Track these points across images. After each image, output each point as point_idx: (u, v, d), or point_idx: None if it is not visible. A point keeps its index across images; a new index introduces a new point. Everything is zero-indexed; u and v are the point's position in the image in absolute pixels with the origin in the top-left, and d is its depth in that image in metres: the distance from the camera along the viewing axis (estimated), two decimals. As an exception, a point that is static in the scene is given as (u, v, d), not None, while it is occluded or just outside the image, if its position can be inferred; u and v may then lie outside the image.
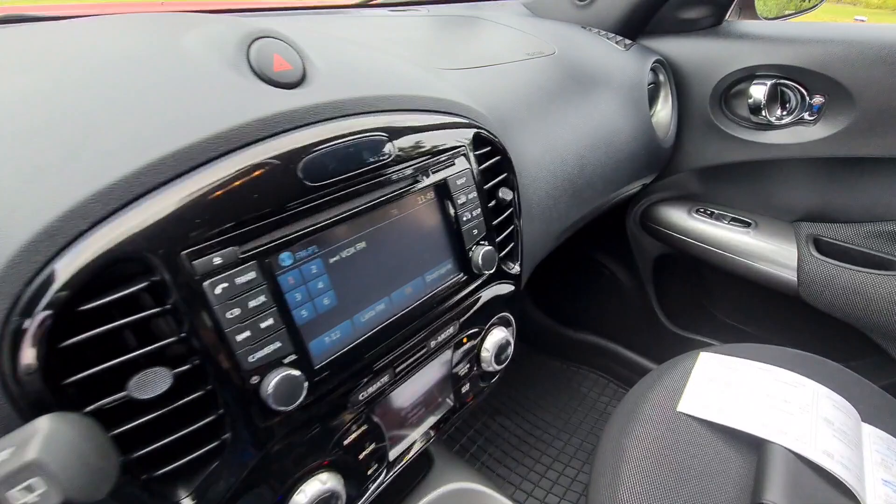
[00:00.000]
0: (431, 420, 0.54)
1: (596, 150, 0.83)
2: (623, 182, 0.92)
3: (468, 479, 0.66)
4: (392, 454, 0.50)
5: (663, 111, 1.03)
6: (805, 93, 0.92)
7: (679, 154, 1.09)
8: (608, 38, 0.99)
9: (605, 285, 1.43)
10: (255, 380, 0.35)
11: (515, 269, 0.60)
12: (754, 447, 0.61)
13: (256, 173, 0.34)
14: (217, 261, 0.32)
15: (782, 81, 0.93)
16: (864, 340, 0.96)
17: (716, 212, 1.11)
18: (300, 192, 0.37)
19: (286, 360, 0.36)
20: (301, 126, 0.38)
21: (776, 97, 0.95)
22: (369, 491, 0.48)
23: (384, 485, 0.51)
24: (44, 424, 0.20)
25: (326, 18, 0.87)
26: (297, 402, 0.36)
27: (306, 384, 0.36)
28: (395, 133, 0.43)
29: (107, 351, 0.30)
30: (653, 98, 1.02)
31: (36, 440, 0.20)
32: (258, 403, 0.35)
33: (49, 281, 0.28)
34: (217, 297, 0.32)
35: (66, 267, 0.28)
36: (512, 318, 0.61)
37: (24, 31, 0.41)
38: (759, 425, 0.64)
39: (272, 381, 0.35)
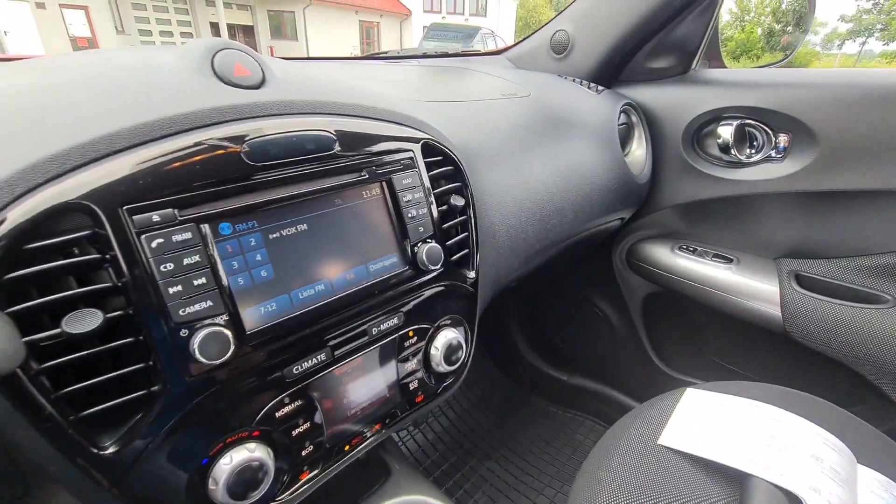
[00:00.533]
0: (377, 414, 0.55)
1: (566, 182, 0.88)
2: (597, 213, 0.96)
3: (425, 492, 0.64)
4: (331, 440, 0.50)
5: (638, 150, 1.09)
6: (770, 132, 0.97)
7: (658, 192, 1.13)
8: (581, 84, 1.08)
9: (597, 327, 1.42)
10: (184, 332, 0.38)
11: (471, 275, 0.63)
12: (737, 482, 0.58)
13: (201, 150, 0.40)
14: (155, 218, 0.37)
15: (748, 122, 0.98)
16: (858, 382, 0.92)
17: (699, 248, 1.13)
18: (241, 170, 0.42)
19: (217, 320, 0.39)
20: (249, 118, 0.43)
21: (744, 137, 1.00)
22: (304, 476, 0.48)
23: (323, 475, 0.51)
24: None
25: (322, 62, 0.99)
26: (224, 358, 0.39)
27: (233, 342, 0.39)
28: (341, 132, 0.49)
29: (49, 295, 0.34)
30: (627, 138, 1.08)
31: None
32: (186, 356, 0.38)
33: (2, 220, 0.32)
34: (152, 249, 0.37)
35: (20, 211, 0.33)
36: (465, 321, 0.63)
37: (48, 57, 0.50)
38: (742, 459, 0.61)
39: (199, 335, 0.38)
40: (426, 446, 1.40)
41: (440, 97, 0.86)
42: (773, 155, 0.97)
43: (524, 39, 1.25)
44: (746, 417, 0.68)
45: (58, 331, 0.34)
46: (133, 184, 0.36)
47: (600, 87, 1.08)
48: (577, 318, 1.47)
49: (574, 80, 1.10)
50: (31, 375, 0.34)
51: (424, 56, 1.25)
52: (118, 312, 0.36)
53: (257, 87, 0.47)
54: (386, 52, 1.22)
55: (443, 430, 1.45)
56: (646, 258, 1.19)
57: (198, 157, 0.39)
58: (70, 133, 0.36)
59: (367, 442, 0.55)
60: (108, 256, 0.36)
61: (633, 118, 1.08)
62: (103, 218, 0.35)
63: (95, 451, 0.36)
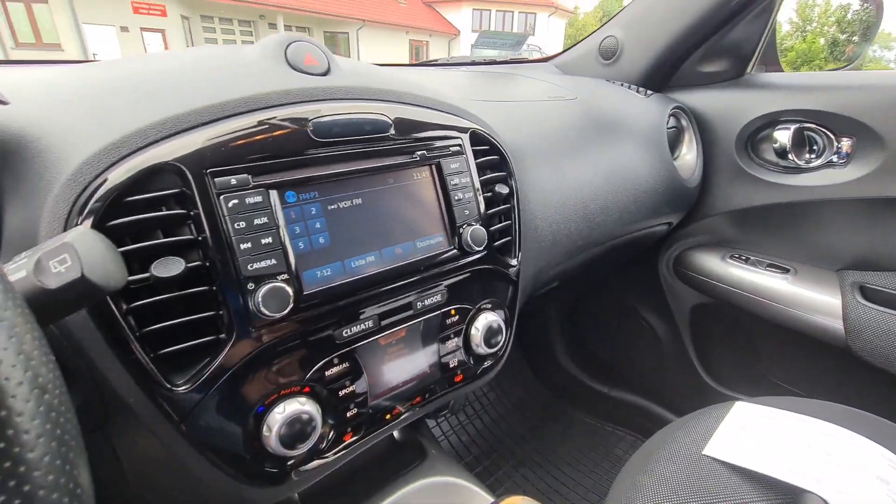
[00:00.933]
0: (417, 387, 0.57)
1: (611, 182, 0.88)
2: (643, 216, 0.95)
3: (458, 475, 0.66)
4: (373, 407, 0.53)
5: (688, 154, 1.07)
6: (832, 136, 0.93)
7: (708, 197, 1.10)
8: (630, 88, 1.08)
9: (641, 338, 1.38)
10: (250, 286, 0.42)
11: (512, 262, 0.65)
12: (786, 496, 0.55)
13: (274, 125, 0.44)
14: (233, 181, 0.41)
15: (807, 126, 0.95)
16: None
17: (752, 257, 1.08)
18: (307, 145, 0.46)
19: (279, 277, 0.43)
20: (316, 101, 0.48)
21: (802, 141, 0.96)
22: (347, 438, 0.51)
23: (365, 440, 0.53)
24: (80, 228, 0.28)
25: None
26: (283, 313, 0.42)
27: (292, 299, 0.43)
28: (396, 118, 0.52)
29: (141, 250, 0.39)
30: (676, 142, 1.07)
31: (72, 232, 0.28)
32: (250, 308, 0.42)
33: (106, 181, 0.38)
34: (229, 209, 0.41)
35: (123, 169, 0.38)
36: (506, 308, 0.64)
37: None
38: (793, 473, 0.58)
39: (263, 289, 0.42)
40: (460, 448, 1.40)
41: (488, 97, 0.89)
42: (835, 160, 0.93)
43: (572, 47, 1.27)
44: (799, 431, 0.65)
45: (147, 275, 0.38)
46: (216, 151, 0.41)
47: (649, 91, 1.07)
48: (619, 327, 1.44)
49: (622, 85, 1.10)
50: (122, 313, 0.38)
51: (473, 63, 1.29)
52: (196, 263, 0.40)
53: (324, 74, 0.51)
54: (436, 60, 1.27)
55: (476, 432, 1.45)
56: (694, 266, 1.15)
57: (271, 132, 0.44)
58: (167, 107, 0.42)
59: (407, 415, 0.57)
60: (191, 213, 0.41)
61: (683, 122, 1.06)
62: (190, 179, 0.40)
63: (169, 387, 0.40)
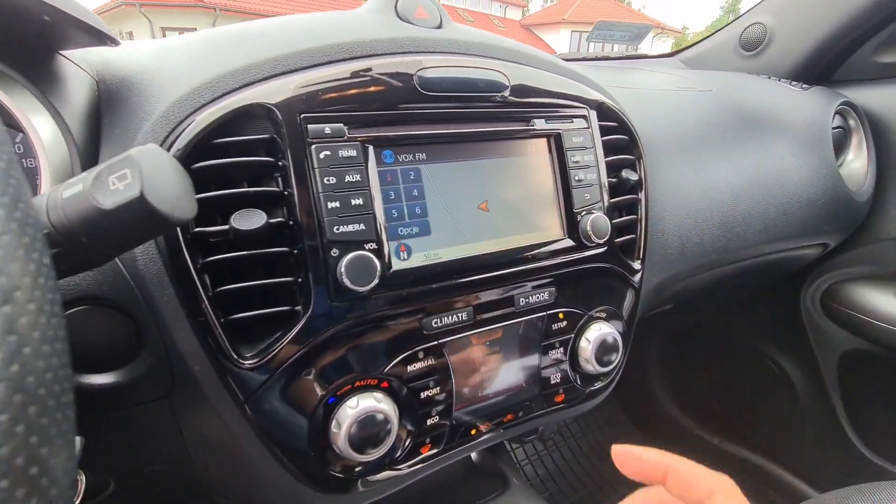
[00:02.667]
0: (510, 402, 0.47)
1: (756, 187, 0.72)
2: (794, 232, 0.77)
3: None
4: (457, 418, 0.44)
5: (856, 161, 0.86)
6: None
7: (881, 217, 0.88)
8: (780, 82, 0.90)
9: (770, 385, 1.14)
10: (335, 252, 0.36)
11: (636, 265, 0.53)
12: None
13: (378, 74, 0.39)
14: (327, 130, 0.36)
15: None
16: None
17: (942, 299, 0.84)
18: (412, 97, 0.40)
19: (367, 246, 0.37)
20: (426, 52, 0.42)
21: None
22: (425, 450, 0.43)
23: (443, 456, 0.44)
24: (148, 146, 0.23)
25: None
26: (368, 287, 0.36)
27: (379, 272, 0.36)
28: (513, 77, 0.44)
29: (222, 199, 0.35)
30: (842, 146, 0.87)
31: (139, 148, 0.23)
32: (332, 277, 0.36)
33: (195, 121, 0.34)
34: (319, 160, 0.36)
35: (216, 108, 0.35)
36: (625, 320, 0.53)
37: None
38: None
39: (348, 256, 0.35)
40: (535, 481, 1.25)
41: (608, 82, 0.78)
42: None
43: (703, 40, 1.11)
44: None
45: (226, 227, 0.34)
46: (313, 96, 0.36)
47: (805, 85, 0.89)
48: (740, 369, 1.21)
49: (770, 78, 0.92)
50: (197, 268, 0.34)
51: (584, 59, 1.19)
52: (279, 219, 0.35)
53: (436, 28, 0.45)
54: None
55: (555, 467, 1.30)
56: (852, 303, 0.92)
57: (374, 81, 0.38)
58: (267, 49, 0.38)
59: (493, 434, 0.47)
60: (279, 164, 0.36)
61: (852, 122, 0.86)
62: (282, 123, 0.35)
63: (235, 357, 0.35)
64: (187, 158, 0.34)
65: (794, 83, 0.90)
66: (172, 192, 0.23)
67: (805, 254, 0.86)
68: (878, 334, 0.88)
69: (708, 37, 1.10)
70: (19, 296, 0.12)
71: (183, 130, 0.34)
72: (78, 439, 0.32)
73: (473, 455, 0.68)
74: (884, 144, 0.86)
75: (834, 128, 0.84)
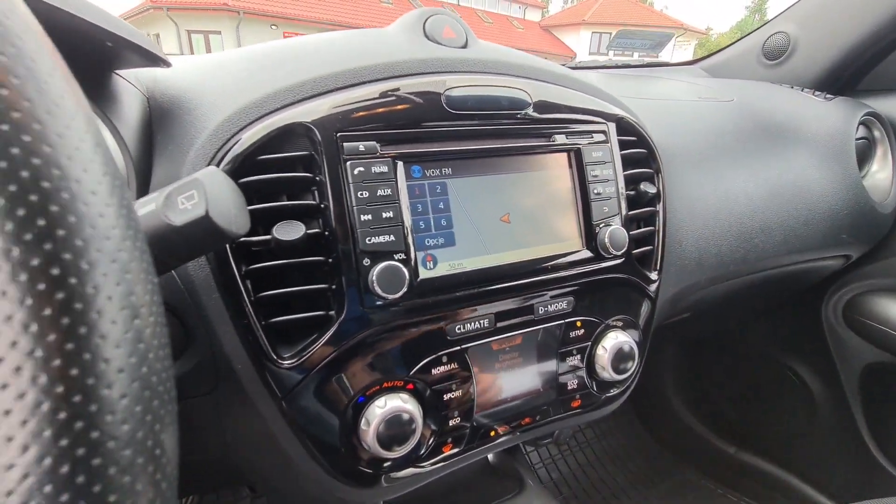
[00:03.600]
0: (528, 406, 0.49)
1: (776, 197, 0.73)
2: (815, 244, 0.77)
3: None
4: (478, 419, 0.46)
5: (881, 172, 0.86)
6: None
7: (906, 229, 0.87)
8: (804, 91, 0.90)
9: (789, 396, 1.13)
10: (366, 262, 0.38)
11: (653, 276, 0.54)
12: None
13: (408, 93, 0.41)
14: (361, 148, 0.39)
15: None
16: None
17: (969, 312, 0.82)
18: (440, 116, 0.42)
19: (396, 256, 0.39)
20: (453, 71, 0.44)
21: None
22: (447, 449, 0.45)
23: (464, 455, 0.47)
24: (210, 169, 0.26)
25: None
26: (397, 295, 0.38)
27: (407, 281, 0.38)
28: (536, 94, 0.46)
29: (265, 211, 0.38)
30: (866, 157, 0.86)
31: (204, 170, 0.26)
32: (364, 285, 0.38)
33: (242, 139, 0.37)
34: (354, 176, 0.38)
35: (261, 126, 0.37)
36: (640, 329, 0.54)
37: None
38: None
39: (379, 266, 0.38)
40: (549, 485, 1.27)
41: (627, 94, 0.80)
42: None
43: (725, 48, 1.11)
44: None
45: (269, 237, 0.37)
46: (348, 116, 0.39)
47: (828, 95, 0.89)
48: (758, 379, 1.20)
49: (792, 88, 0.92)
50: (241, 275, 0.37)
51: (604, 67, 1.20)
52: (316, 230, 0.38)
53: (462, 47, 0.48)
54: (564, 64, 1.20)
55: (569, 471, 1.31)
56: (877, 315, 0.91)
57: (404, 100, 0.41)
58: (307, 70, 0.41)
59: (511, 436, 0.49)
60: (317, 179, 0.38)
61: (877, 132, 0.86)
62: (320, 141, 0.38)
63: (274, 358, 0.38)
64: (235, 173, 0.37)
65: (817, 93, 0.89)
66: (231, 209, 0.26)
67: (827, 265, 0.85)
68: (902, 347, 0.87)
69: (730, 45, 1.10)
70: (144, 311, 0.14)
71: (231, 147, 0.37)
72: None
73: (490, 456, 0.70)
74: (909, 155, 0.85)
75: (858, 139, 0.83)
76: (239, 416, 0.43)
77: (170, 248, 0.25)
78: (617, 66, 1.19)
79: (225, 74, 0.44)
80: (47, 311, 0.12)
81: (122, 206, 0.15)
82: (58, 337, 0.12)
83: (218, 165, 0.37)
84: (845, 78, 0.92)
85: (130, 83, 0.45)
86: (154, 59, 0.42)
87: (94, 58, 0.41)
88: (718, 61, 1.10)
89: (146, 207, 0.25)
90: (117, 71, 0.45)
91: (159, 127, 0.43)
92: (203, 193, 0.25)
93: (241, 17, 13.35)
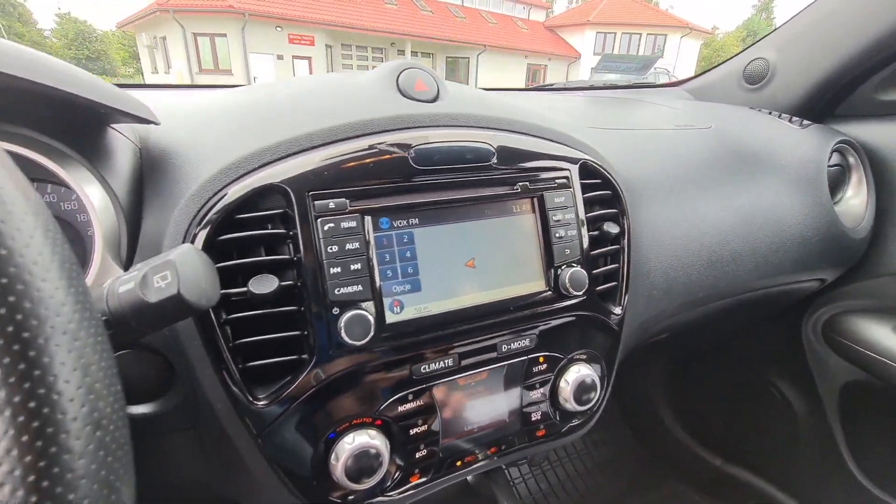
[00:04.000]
0: (494, 437, 0.52)
1: (748, 225, 0.75)
2: (787, 269, 0.80)
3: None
4: (444, 451, 0.49)
5: (855, 199, 0.88)
6: None
7: (881, 253, 0.89)
8: (780, 118, 0.92)
9: (771, 411, 1.16)
10: (335, 311, 0.42)
11: (616, 310, 0.57)
12: None
13: (375, 151, 0.44)
14: (331, 205, 0.42)
15: None
16: None
17: (941, 335, 0.85)
18: (406, 171, 0.45)
19: (364, 305, 0.43)
20: (420, 127, 0.47)
21: None
22: (414, 479, 0.48)
23: (431, 484, 0.50)
24: (184, 248, 0.30)
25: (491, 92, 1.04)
26: (363, 342, 0.41)
27: (374, 327, 0.42)
28: (499, 145, 0.50)
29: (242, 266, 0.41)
30: (840, 183, 0.89)
31: (177, 250, 0.30)
32: (333, 332, 0.42)
33: (223, 197, 0.41)
34: (324, 232, 0.41)
35: (239, 186, 0.41)
36: (603, 361, 0.57)
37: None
38: None
39: (347, 315, 0.41)
40: (538, 496, 1.30)
41: (604, 124, 0.82)
42: None
43: (708, 70, 1.14)
44: None
45: (244, 289, 0.40)
46: (320, 174, 0.42)
47: (805, 122, 0.91)
48: (743, 394, 1.22)
49: (770, 114, 0.95)
50: (220, 324, 0.40)
51: (591, 88, 1.23)
52: (289, 282, 0.41)
53: (432, 101, 0.51)
54: (552, 84, 1.23)
55: (558, 482, 1.33)
56: (853, 335, 0.93)
57: (372, 157, 0.44)
58: (282, 131, 0.44)
59: (480, 464, 0.53)
60: (290, 233, 0.42)
61: (851, 159, 0.88)
62: (293, 199, 0.41)
63: (251, 399, 0.41)
64: (215, 231, 0.40)
65: (794, 119, 0.92)
66: (202, 285, 0.29)
67: (802, 287, 0.88)
68: (877, 367, 0.89)
69: (713, 68, 1.12)
70: (94, 368, 0.18)
71: (213, 206, 0.41)
72: None
73: (469, 477, 0.73)
74: (884, 181, 0.87)
75: (832, 165, 0.86)
76: (219, 450, 0.46)
77: (146, 320, 0.29)
78: (604, 87, 1.22)
79: (210, 131, 0.48)
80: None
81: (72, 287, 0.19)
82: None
83: (200, 223, 0.40)
84: (822, 103, 0.94)
85: (124, 136, 0.49)
86: (143, 121, 0.45)
87: (88, 115, 0.44)
88: (703, 84, 1.12)
89: (126, 285, 0.29)
90: (112, 125, 0.48)
91: (149, 180, 0.46)
92: (175, 273, 0.28)
93: (246, 19, 13.46)
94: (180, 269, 0.28)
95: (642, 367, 1.37)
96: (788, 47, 0.96)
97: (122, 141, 0.48)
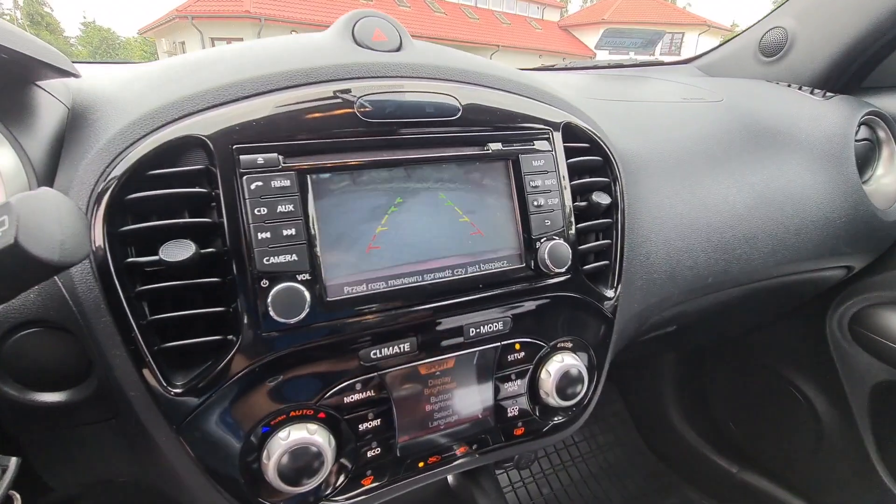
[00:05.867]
0: (464, 434, 0.46)
1: (764, 205, 0.67)
2: (808, 253, 0.71)
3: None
4: (403, 450, 0.43)
5: (886, 177, 0.79)
6: None
7: (916, 238, 0.80)
8: (800, 90, 0.84)
9: (792, 413, 1.06)
10: (264, 283, 0.36)
11: (608, 293, 0.50)
12: None
13: (317, 102, 0.38)
14: (259, 160, 0.36)
15: None
16: None
17: None
18: (354, 125, 0.39)
19: (299, 277, 0.36)
20: (372, 77, 0.41)
21: None
22: (366, 482, 0.42)
23: (389, 488, 0.43)
24: (37, 191, 0.24)
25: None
26: (296, 319, 0.35)
27: (308, 303, 0.36)
28: (466, 99, 0.43)
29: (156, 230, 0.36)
30: (869, 160, 0.80)
31: (23, 194, 0.24)
32: (261, 308, 0.36)
33: (133, 152, 0.35)
34: (250, 191, 0.36)
35: (151, 140, 0.35)
36: (592, 351, 0.50)
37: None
38: None
39: (276, 288, 0.35)
40: (539, 502, 1.22)
41: (607, 96, 0.75)
42: None
43: (720, 45, 1.05)
44: None
45: (156, 258, 0.34)
46: (247, 126, 0.37)
47: (828, 94, 0.82)
48: (760, 394, 1.13)
49: (790, 86, 0.86)
50: (130, 297, 0.35)
51: (595, 67, 1.15)
52: (209, 250, 0.36)
53: (394, 51, 0.45)
54: (554, 65, 1.16)
55: (561, 488, 1.25)
56: (884, 330, 0.84)
57: (311, 109, 0.38)
58: (211, 80, 0.39)
59: (448, 466, 0.46)
60: (213, 194, 0.36)
61: (881, 133, 0.79)
62: (215, 154, 0.35)
63: (165, 384, 0.35)
64: (122, 189, 0.35)
65: (816, 91, 0.83)
66: (55, 235, 0.24)
67: (825, 276, 0.79)
68: (914, 366, 0.80)
69: (726, 42, 1.04)
70: None
71: (121, 161, 0.35)
72: (13, 460, 0.34)
73: (450, 478, 0.67)
74: (919, 158, 0.78)
75: (859, 140, 0.77)
76: (143, 445, 0.40)
77: (-17, 278, 0.23)
78: (609, 66, 1.14)
79: (138, 84, 0.42)
80: None
81: None
82: None
83: (107, 180, 0.35)
84: (848, 75, 0.85)
85: (53, 95, 0.44)
86: (60, 71, 0.40)
87: (4, 71, 0.39)
88: (714, 59, 1.04)
89: (-45, 234, 0.23)
90: (38, 83, 0.43)
91: (67, 139, 0.41)
92: (15, 218, 0.22)
93: (262, 24, 13.63)
94: (21, 213, 0.23)
95: (650, 365, 1.29)
96: (809, 14, 0.87)
97: (47, 100, 0.43)
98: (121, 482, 0.48)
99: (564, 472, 1.29)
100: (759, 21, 0.96)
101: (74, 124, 0.42)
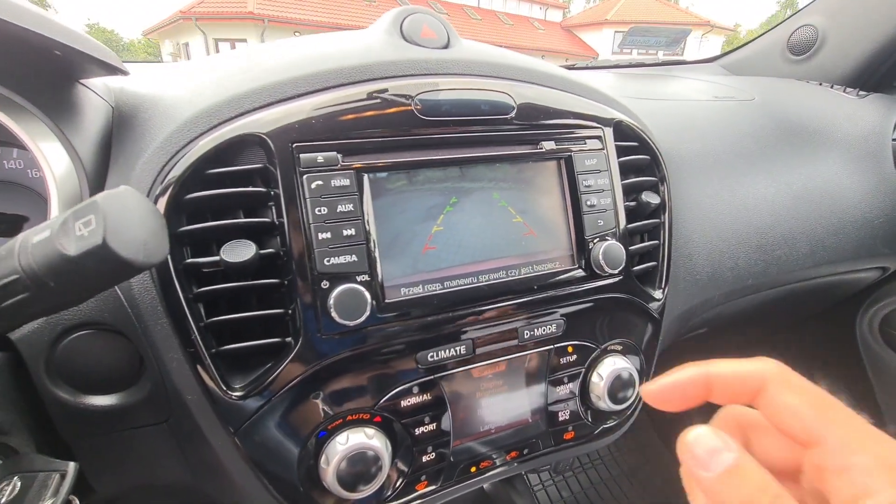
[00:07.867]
0: (514, 439, 0.45)
1: (802, 205, 0.66)
2: (846, 255, 0.70)
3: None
4: (456, 454, 0.42)
5: (923, 177, 0.77)
6: None
7: (952, 239, 0.78)
8: (833, 88, 0.83)
9: None
10: (325, 284, 0.35)
11: (657, 294, 0.49)
12: None
13: (373, 100, 0.38)
14: (319, 159, 0.35)
15: None
16: None
17: None
18: (412, 123, 0.38)
19: (358, 278, 0.36)
20: (426, 74, 0.40)
21: None
22: (420, 487, 0.41)
23: (442, 493, 0.43)
24: (119, 190, 0.23)
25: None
26: (357, 321, 0.35)
27: (370, 306, 0.35)
28: (520, 98, 0.42)
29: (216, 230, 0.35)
30: (905, 159, 0.78)
31: (107, 192, 0.23)
32: (322, 310, 0.35)
33: (194, 149, 0.34)
34: (311, 190, 0.35)
35: (210, 138, 0.35)
36: (643, 354, 0.49)
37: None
38: None
39: (338, 289, 0.34)
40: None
41: (637, 95, 0.74)
42: None
43: (745, 44, 1.04)
44: None
45: (217, 258, 0.34)
46: (306, 125, 0.36)
47: (862, 92, 0.81)
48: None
49: (821, 85, 0.85)
50: (188, 299, 0.34)
51: (617, 66, 1.14)
52: (271, 251, 0.35)
53: (443, 48, 0.44)
54: (575, 63, 1.15)
55: (581, 490, 1.24)
56: (918, 332, 0.83)
57: (370, 107, 0.38)
58: (266, 77, 0.38)
59: (497, 470, 0.45)
60: (272, 193, 0.35)
61: (919, 133, 0.78)
62: (275, 153, 0.35)
63: (224, 388, 0.35)
64: (181, 189, 0.34)
65: (848, 90, 0.82)
66: (139, 235, 0.23)
67: (860, 277, 0.78)
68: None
69: (753, 40, 1.03)
70: None
71: (178, 161, 0.34)
72: (72, 465, 0.33)
73: (486, 485, 0.66)
74: (957, 157, 0.77)
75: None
76: (196, 447, 0.40)
77: (68, 280, 0.22)
78: (630, 65, 1.14)
79: (186, 82, 0.42)
80: None
81: None
82: None
83: (164, 180, 0.34)
84: (880, 74, 0.84)
85: (97, 94, 0.43)
86: (110, 68, 0.39)
87: (49, 67, 0.39)
88: (740, 58, 1.03)
89: (41, 234, 0.22)
90: (83, 81, 0.43)
91: (117, 138, 0.40)
92: (102, 218, 0.22)
93: (265, 25, 13.65)
94: (108, 213, 0.22)
95: (669, 365, 1.27)
96: (841, 10, 0.86)
97: (92, 99, 0.43)
98: (160, 485, 0.48)
99: (584, 474, 1.28)
100: (786, 19, 0.95)
101: (122, 123, 0.41)
